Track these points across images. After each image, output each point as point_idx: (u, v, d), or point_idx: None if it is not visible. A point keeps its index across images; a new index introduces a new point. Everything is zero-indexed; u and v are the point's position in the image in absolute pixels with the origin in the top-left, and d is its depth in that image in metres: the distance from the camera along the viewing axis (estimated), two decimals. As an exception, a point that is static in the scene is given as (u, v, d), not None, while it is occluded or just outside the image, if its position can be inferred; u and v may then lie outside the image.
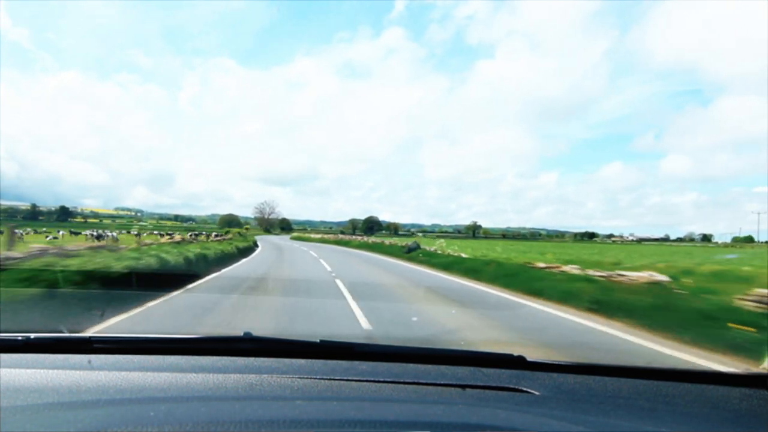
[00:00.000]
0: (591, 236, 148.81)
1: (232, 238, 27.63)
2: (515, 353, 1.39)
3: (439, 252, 20.21)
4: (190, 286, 9.34)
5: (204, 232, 30.23)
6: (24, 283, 6.19)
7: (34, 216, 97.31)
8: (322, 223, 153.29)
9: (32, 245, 8.84)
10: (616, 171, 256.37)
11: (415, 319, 6.60)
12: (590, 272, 9.78)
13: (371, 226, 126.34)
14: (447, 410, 1.10)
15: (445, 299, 9.14)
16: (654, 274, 8.33)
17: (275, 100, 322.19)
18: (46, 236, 32.64)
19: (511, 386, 1.24)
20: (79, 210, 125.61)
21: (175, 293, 8.20)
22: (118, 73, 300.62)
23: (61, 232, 39.20)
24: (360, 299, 7.89)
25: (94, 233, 34.45)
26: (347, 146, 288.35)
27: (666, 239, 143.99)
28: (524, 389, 1.23)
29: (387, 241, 34.95)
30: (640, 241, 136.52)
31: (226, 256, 17.31)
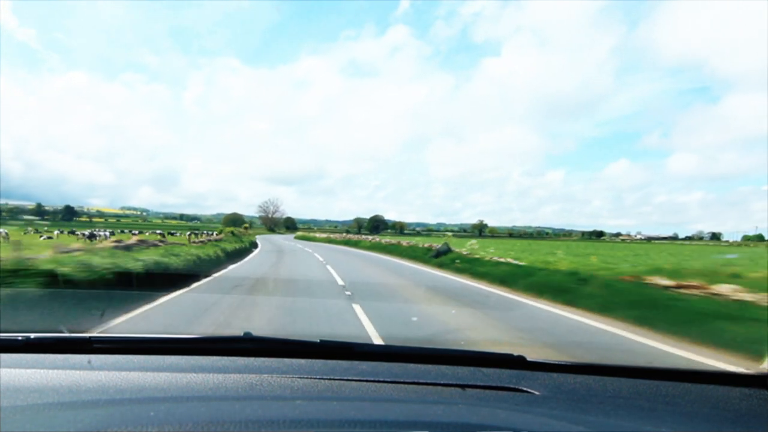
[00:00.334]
0: (599, 235, 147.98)
1: (223, 238, 24.14)
2: (515, 353, 1.39)
3: (477, 257, 15.61)
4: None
5: (179, 232, 27.76)
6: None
7: (39, 215, 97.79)
8: (327, 222, 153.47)
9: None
10: (622, 169, 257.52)
11: None
12: (715, 289, 6.71)
13: (377, 225, 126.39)
14: (447, 410, 1.10)
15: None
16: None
17: (281, 99, 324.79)
18: (41, 236, 32.28)
19: (511, 386, 1.24)
20: (84, 209, 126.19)
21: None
22: (125, 72, 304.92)
23: (56, 232, 39.30)
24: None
25: (86, 233, 34.07)
26: (353, 145, 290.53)
27: (675, 238, 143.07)
28: (524, 389, 1.23)
29: (404, 241, 29.13)
30: (649, 239, 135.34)
31: (202, 263, 13.03)
